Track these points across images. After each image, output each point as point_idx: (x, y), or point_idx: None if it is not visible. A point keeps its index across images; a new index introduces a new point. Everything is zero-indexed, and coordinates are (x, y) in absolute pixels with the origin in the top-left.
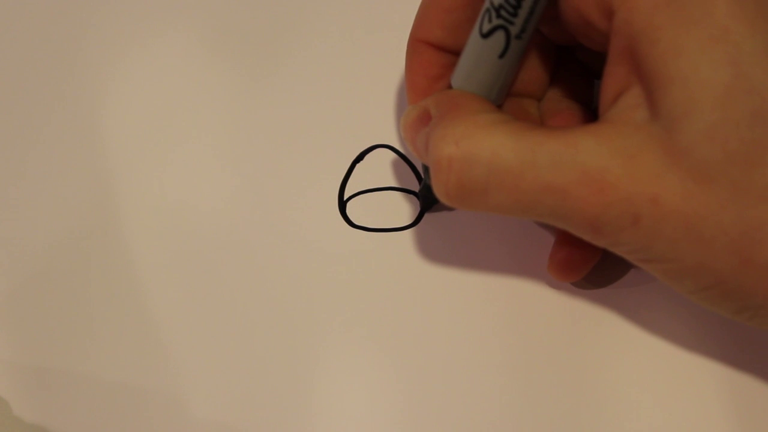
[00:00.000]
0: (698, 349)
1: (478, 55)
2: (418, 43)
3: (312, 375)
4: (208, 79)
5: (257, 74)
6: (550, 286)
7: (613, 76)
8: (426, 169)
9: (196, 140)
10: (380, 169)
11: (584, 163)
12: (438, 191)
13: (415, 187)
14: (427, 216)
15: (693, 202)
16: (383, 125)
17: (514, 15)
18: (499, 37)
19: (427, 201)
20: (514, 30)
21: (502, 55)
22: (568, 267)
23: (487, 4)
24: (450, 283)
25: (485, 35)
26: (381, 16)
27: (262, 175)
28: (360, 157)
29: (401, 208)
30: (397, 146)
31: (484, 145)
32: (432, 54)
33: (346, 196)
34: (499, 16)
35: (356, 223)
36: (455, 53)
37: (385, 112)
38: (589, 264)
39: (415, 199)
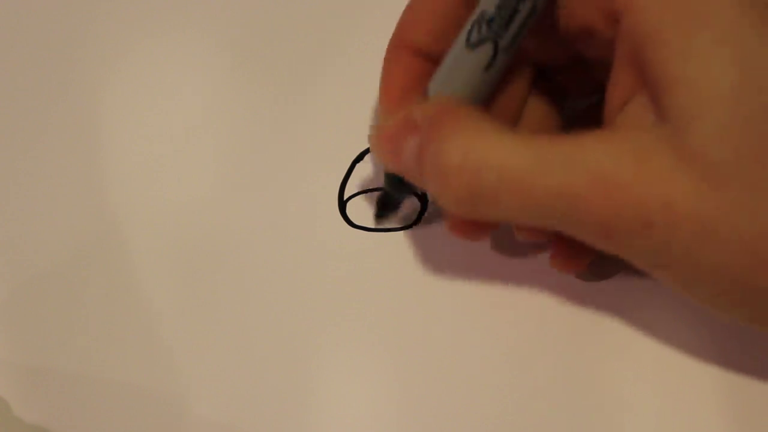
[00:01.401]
0: (698, 348)
1: (462, 66)
2: (399, 47)
3: (312, 375)
4: (207, 80)
5: (257, 74)
6: (551, 284)
7: (620, 83)
8: (391, 177)
9: (196, 140)
10: (380, 169)
11: (594, 166)
12: (447, 200)
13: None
14: (427, 216)
15: (706, 204)
16: None
17: (506, 28)
18: (487, 49)
19: (385, 209)
20: (503, 43)
21: (487, 68)
22: (570, 257)
23: (476, 15)
24: (450, 283)
25: (473, 46)
26: (381, 17)
27: (262, 175)
28: (360, 157)
29: (401, 208)
30: None
31: (493, 152)
32: (412, 60)
33: (346, 196)
34: (490, 28)
35: (356, 223)
36: (436, 62)
37: None
38: (590, 254)
39: (415, 199)
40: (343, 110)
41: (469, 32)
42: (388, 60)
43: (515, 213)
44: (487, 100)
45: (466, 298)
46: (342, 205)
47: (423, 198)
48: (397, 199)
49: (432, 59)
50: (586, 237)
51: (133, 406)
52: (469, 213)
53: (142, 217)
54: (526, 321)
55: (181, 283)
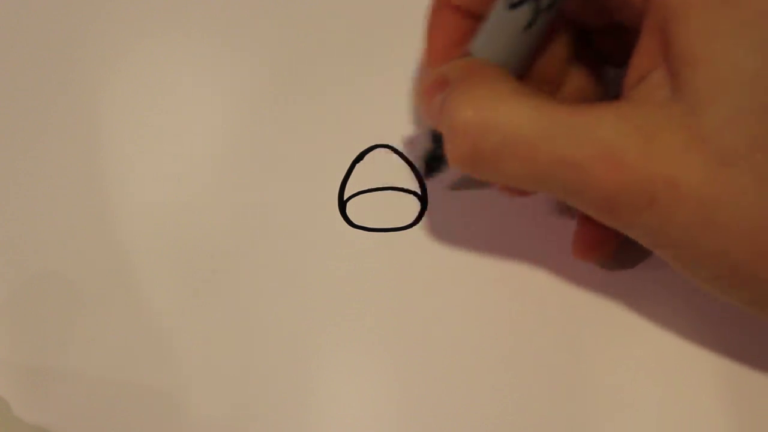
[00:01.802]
0: (699, 338)
1: (502, 25)
2: (442, 5)
3: (312, 375)
4: (207, 80)
5: (257, 74)
6: (550, 282)
7: (642, 55)
8: (434, 135)
9: (196, 140)
10: (380, 169)
11: (603, 139)
12: (451, 156)
13: (415, 187)
14: (427, 216)
15: (712, 186)
16: (383, 125)
17: None
18: (528, 8)
19: (430, 169)
20: (543, 2)
21: (527, 27)
22: (594, 246)
23: None
24: (450, 283)
25: (513, 5)
26: (382, 17)
27: (262, 175)
28: (360, 157)
29: (401, 208)
30: (397, 146)
31: (501, 113)
32: (455, 17)
33: (346, 196)
34: None
35: (356, 223)
36: (479, 19)
37: (385, 112)
38: (615, 240)
39: (415, 199)
40: (344, 110)
41: None
42: (433, 15)
43: (516, 177)
44: (527, 61)
45: (467, 297)
46: (342, 205)
47: (423, 198)
48: (442, 156)
49: (475, 17)
50: (588, 209)
51: (133, 405)
52: (471, 172)
53: (142, 217)
54: (525, 319)
55: (181, 283)
